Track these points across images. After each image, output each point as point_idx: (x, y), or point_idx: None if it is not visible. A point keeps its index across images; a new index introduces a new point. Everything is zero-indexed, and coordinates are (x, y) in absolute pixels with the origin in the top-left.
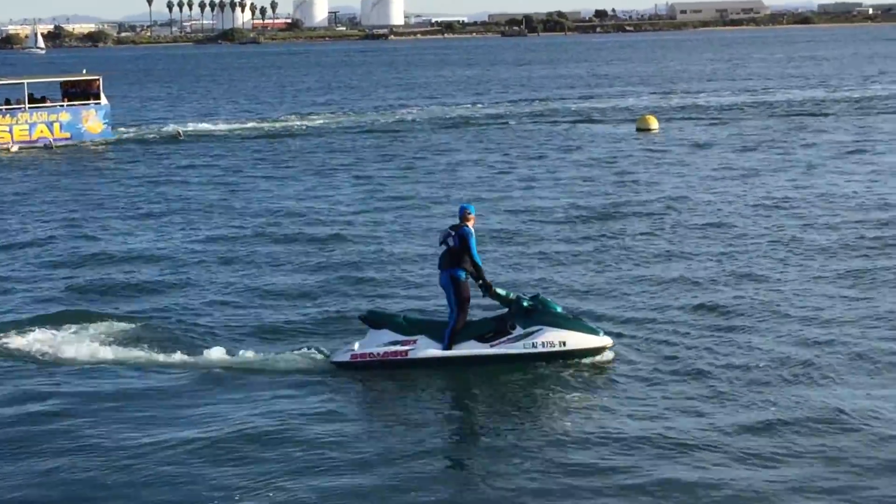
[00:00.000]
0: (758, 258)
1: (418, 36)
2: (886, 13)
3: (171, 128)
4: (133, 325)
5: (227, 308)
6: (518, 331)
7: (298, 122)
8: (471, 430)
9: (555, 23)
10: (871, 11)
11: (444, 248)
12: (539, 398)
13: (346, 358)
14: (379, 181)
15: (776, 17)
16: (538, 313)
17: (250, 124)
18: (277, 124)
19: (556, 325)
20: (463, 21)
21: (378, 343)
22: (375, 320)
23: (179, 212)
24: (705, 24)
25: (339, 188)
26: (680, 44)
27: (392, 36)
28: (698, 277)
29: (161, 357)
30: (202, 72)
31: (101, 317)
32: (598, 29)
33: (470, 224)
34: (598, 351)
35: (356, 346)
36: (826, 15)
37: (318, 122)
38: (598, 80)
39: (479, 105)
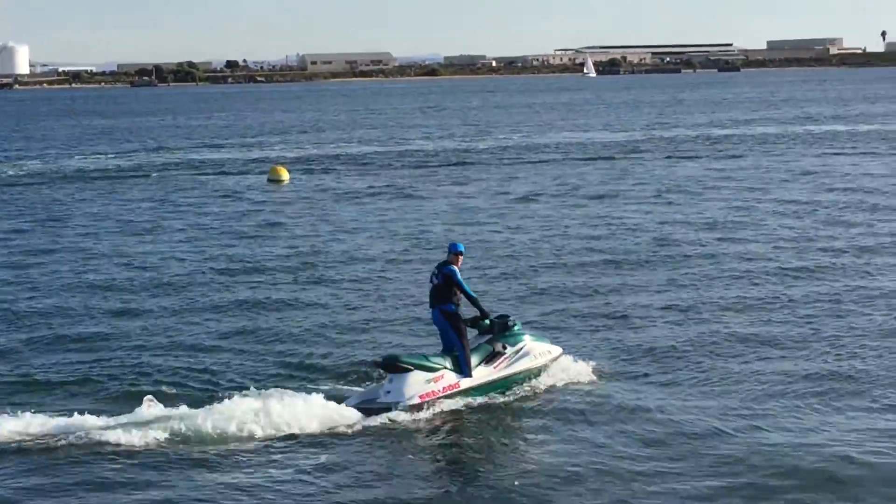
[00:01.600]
0: (400, 304)
1: (45, 85)
2: (509, 66)
3: None
4: None
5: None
6: (510, 349)
7: None
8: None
9: (186, 73)
10: (494, 64)
11: (430, 286)
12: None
13: (415, 401)
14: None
15: (404, 69)
16: (511, 332)
17: None
18: None
19: (537, 339)
20: (91, 70)
21: (421, 382)
22: (403, 364)
23: None
24: (336, 75)
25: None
26: (311, 94)
27: (17, 85)
28: (333, 322)
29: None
30: None
31: None
32: (229, 79)
33: (457, 262)
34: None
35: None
36: (452, 67)
37: None
38: (228, 131)
39: (109, 156)
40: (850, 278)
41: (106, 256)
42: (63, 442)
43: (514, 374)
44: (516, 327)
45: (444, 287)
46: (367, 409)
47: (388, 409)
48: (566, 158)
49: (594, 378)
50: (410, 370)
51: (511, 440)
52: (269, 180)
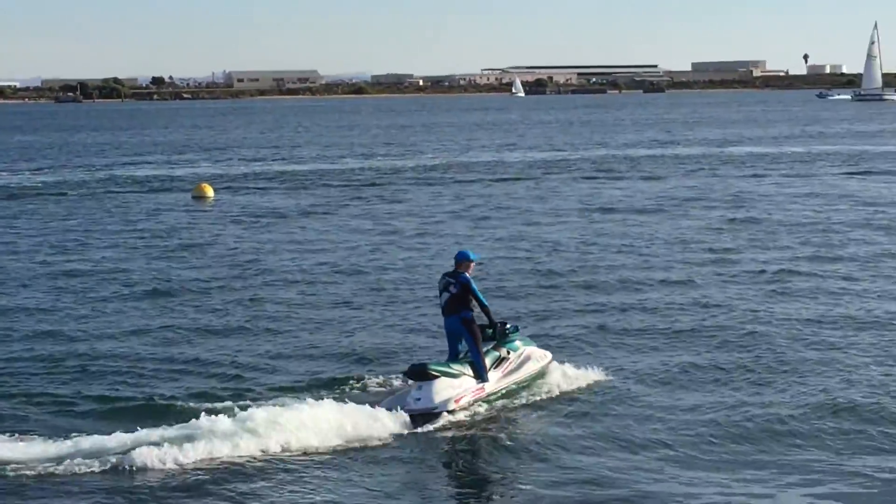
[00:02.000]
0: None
1: None
2: (436, 84)
3: None
4: None
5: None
6: (513, 355)
7: None
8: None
9: (111, 89)
10: (421, 83)
11: (446, 295)
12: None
13: (451, 406)
14: None
15: (331, 87)
16: (509, 338)
17: None
18: None
19: (528, 344)
20: (15, 86)
21: (448, 388)
22: (432, 371)
23: None
24: (262, 92)
25: None
26: (238, 111)
27: None
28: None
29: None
30: None
31: None
32: (155, 96)
33: (469, 271)
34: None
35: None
36: (379, 85)
37: None
38: (154, 148)
39: (31, 173)
40: (772, 303)
41: (24, 276)
42: None
43: (525, 378)
44: (514, 334)
45: (461, 295)
46: (412, 416)
47: (428, 415)
48: (494, 178)
49: (591, 382)
50: (438, 377)
51: (528, 449)
52: (194, 197)
